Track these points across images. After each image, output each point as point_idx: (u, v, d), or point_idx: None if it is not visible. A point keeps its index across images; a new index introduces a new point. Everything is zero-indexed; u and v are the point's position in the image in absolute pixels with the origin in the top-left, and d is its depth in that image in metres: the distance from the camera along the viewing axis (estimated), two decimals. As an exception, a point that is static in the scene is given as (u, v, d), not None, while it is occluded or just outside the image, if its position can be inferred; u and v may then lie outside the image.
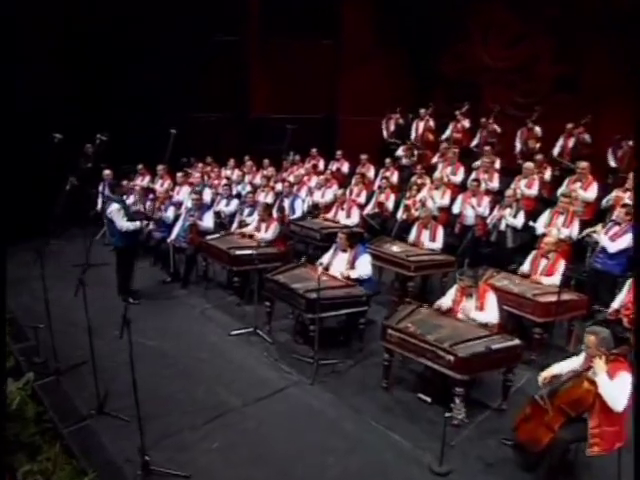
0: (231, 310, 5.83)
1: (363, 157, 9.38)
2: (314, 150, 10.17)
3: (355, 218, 7.25)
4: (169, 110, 9.57)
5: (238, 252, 5.80)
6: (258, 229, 6.54)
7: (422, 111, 9.91)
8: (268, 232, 6.37)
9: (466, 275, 4.44)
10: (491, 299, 4.39)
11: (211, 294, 6.33)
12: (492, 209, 6.63)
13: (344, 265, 5.31)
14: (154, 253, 6.97)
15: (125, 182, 7.23)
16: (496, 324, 4.28)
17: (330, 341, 5.02)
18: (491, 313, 4.32)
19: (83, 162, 8.95)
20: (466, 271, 4.55)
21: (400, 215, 7.29)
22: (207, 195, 8.13)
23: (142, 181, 8.95)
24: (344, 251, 5.36)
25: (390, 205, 7.93)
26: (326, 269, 5.29)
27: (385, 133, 10.85)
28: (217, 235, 6.47)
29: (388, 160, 9.05)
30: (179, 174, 8.22)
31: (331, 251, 5.52)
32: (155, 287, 6.47)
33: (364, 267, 5.21)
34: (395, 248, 6.11)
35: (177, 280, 6.63)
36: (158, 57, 9.67)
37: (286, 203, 7.72)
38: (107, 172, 5.56)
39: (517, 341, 4.02)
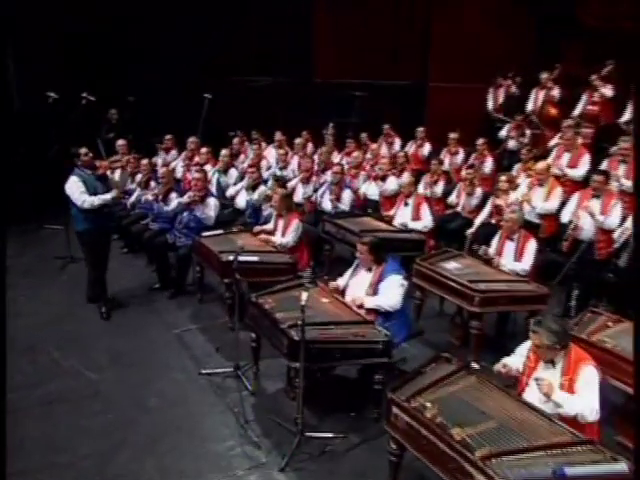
0: (219, 336, 5.02)
1: (452, 136, 8.26)
2: (387, 126, 9.16)
3: (427, 221, 6.13)
4: (207, 72, 9.18)
5: (235, 257, 4.81)
6: (275, 230, 5.72)
7: (544, 76, 8.54)
8: (287, 235, 5.55)
9: (545, 326, 3.05)
10: (589, 375, 3.02)
11: (203, 311, 5.63)
12: (625, 219, 5.35)
13: (364, 289, 4.28)
14: (146, 248, 6.33)
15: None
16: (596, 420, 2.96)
17: (332, 400, 4.11)
18: (590, 402, 2.94)
19: (105, 131, 8.74)
20: (548, 320, 3.11)
21: (481, 219, 5.99)
22: (230, 178, 7.48)
23: (166, 155, 8.54)
24: (369, 270, 4.27)
25: (473, 203, 6.51)
26: (342, 293, 4.45)
27: (490, 104, 9.33)
28: (217, 232, 5.69)
29: (480, 142, 7.56)
30: (224, 152, 7.59)
31: (351, 269, 4.56)
32: (139, 294, 5.91)
33: (390, 294, 4.18)
34: (454, 266, 4.90)
35: (168, 287, 5.92)
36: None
37: (326, 193, 6.71)
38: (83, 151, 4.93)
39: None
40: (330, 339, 3.77)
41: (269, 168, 8.07)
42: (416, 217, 6.16)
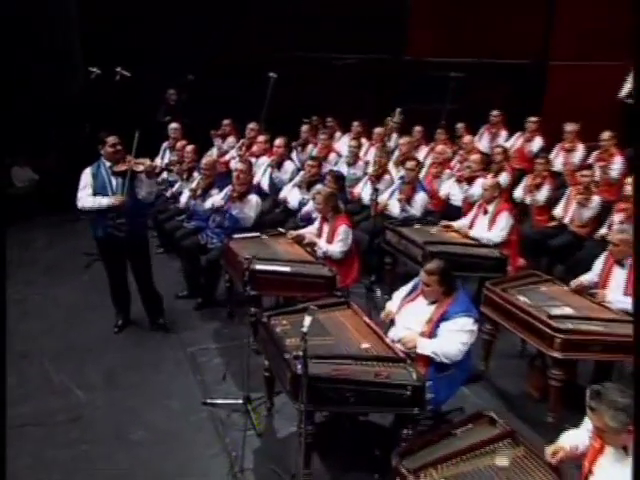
0: (240, 359, 4.55)
1: (570, 128, 7.70)
2: (495, 113, 8.66)
3: (495, 233, 5.61)
4: (275, 47, 9.04)
5: (246, 265, 4.61)
6: (319, 234, 5.52)
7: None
8: (335, 244, 5.31)
9: (607, 401, 2.53)
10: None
11: (230, 327, 5.45)
12: None
13: (420, 323, 3.85)
14: (176, 249, 6.30)
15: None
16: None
17: (354, 454, 3.78)
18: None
19: (161, 113, 8.93)
20: (611, 392, 2.56)
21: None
22: (285, 173, 7.28)
23: (222, 143, 8.51)
24: (433, 302, 3.88)
25: (585, 215, 5.91)
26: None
27: (626, 90, 8.45)
28: (250, 234, 5.51)
29: (606, 136, 6.81)
30: (277, 141, 7.37)
31: (408, 286, 4.17)
32: (165, 304, 5.74)
33: (452, 340, 3.73)
34: (531, 297, 4.37)
35: (196, 296, 5.85)
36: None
37: (395, 194, 6.43)
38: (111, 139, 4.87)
39: None
40: (342, 377, 3.40)
41: (337, 163, 7.79)
42: (491, 227, 5.58)
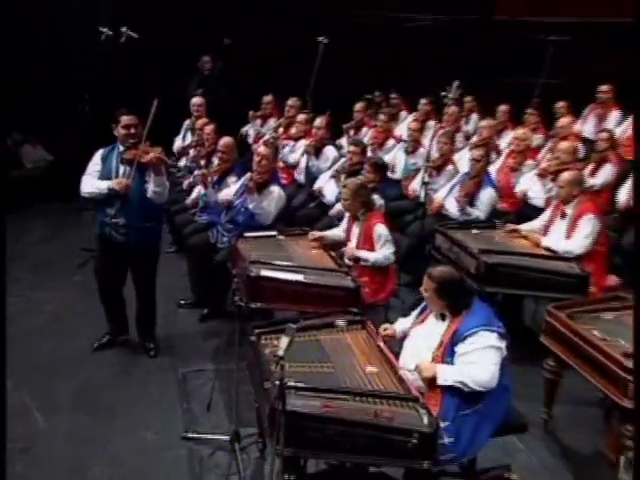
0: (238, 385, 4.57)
1: None
2: (604, 89, 8.37)
3: (573, 243, 5.34)
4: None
5: (265, 272, 4.79)
6: (347, 239, 5.47)
7: None
8: (381, 250, 5.22)
9: None
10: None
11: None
12: None
13: (431, 346, 3.76)
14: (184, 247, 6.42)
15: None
16: None
17: None
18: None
19: (193, 86, 9.17)
20: None
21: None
22: (324, 161, 7.27)
23: (262, 126, 8.62)
24: (441, 317, 3.81)
25: None
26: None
27: None
28: (266, 233, 5.57)
29: None
30: (318, 121, 7.38)
31: (416, 311, 4.11)
32: (162, 310, 5.87)
33: (478, 363, 3.58)
34: (605, 328, 4.18)
35: (203, 305, 5.95)
36: None
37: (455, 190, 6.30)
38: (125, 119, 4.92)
39: None
40: (330, 416, 3.27)
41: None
42: (570, 234, 5.29)
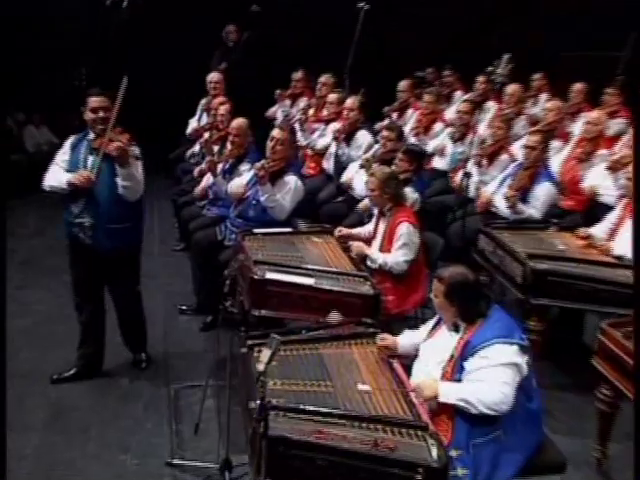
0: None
1: None
2: None
3: None
4: None
5: (271, 274, 4.85)
6: (373, 237, 5.52)
7: None
8: (394, 253, 5.23)
9: None
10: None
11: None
12: None
13: (439, 365, 3.78)
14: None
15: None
16: None
17: None
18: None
19: (216, 59, 9.39)
20: None
21: None
22: (356, 148, 7.30)
23: (291, 107, 8.77)
24: (454, 328, 3.82)
25: None
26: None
27: None
28: (278, 230, 5.63)
29: None
30: (349, 101, 7.41)
31: (433, 321, 4.12)
32: (160, 317, 6.08)
33: (486, 377, 3.57)
34: None
35: (206, 311, 6.02)
36: None
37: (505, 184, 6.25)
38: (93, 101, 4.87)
39: None
40: (320, 444, 3.25)
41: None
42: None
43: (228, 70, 8.81)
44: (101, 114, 4.84)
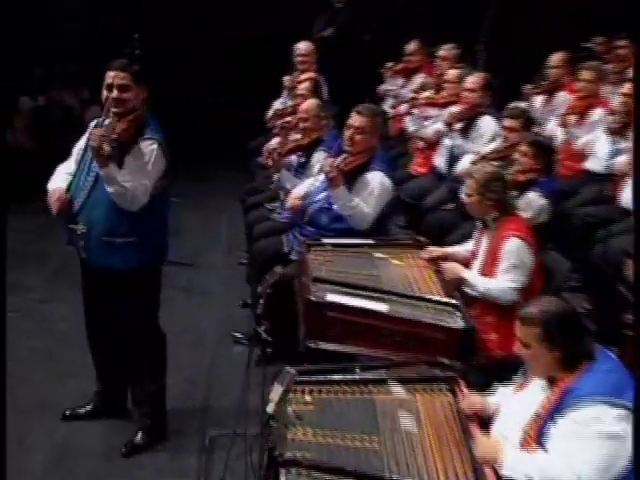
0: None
1: None
2: None
3: None
4: None
5: (332, 297, 4.87)
6: (474, 256, 5.47)
7: None
8: (499, 278, 5.16)
9: None
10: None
11: None
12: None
13: (520, 425, 3.75)
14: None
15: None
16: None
17: None
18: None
19: (321, 23, 9.72)
20: None
21: None
22: (477, 138, 7.29)
23: (403, 86, 8.89)
24: (550, 380, 3.77)
25: None
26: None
27: None
28: (356, 241, 5.63)
29: None
30: (470, 80, 7.38)
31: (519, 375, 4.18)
32: (211, 350, 6.19)
33: (569, 449, 3.49)
34: None
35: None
36: None
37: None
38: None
39: None
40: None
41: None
42: None
43: (337, 37, 8.92)
44: (115, 93, 4.75)
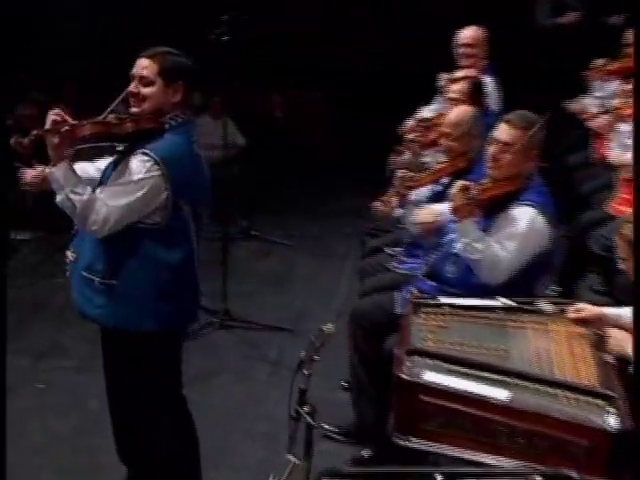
0: None
1: None
2: None
3: None
4: None
5: (430, 375, 4.95)
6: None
7: None
8: None
9: None
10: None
11: None
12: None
13: None
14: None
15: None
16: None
17: None
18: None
19: (546, 7, 10.20)
20: None
21: None
22: None
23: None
24: None
25: None
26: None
27: None
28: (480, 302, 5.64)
29: None
30: None
31: None
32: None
33: None
34: None
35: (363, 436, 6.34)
36: None
37: None
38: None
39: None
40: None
41: None
42: None
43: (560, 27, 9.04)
44: (134, 87, 5.00)
